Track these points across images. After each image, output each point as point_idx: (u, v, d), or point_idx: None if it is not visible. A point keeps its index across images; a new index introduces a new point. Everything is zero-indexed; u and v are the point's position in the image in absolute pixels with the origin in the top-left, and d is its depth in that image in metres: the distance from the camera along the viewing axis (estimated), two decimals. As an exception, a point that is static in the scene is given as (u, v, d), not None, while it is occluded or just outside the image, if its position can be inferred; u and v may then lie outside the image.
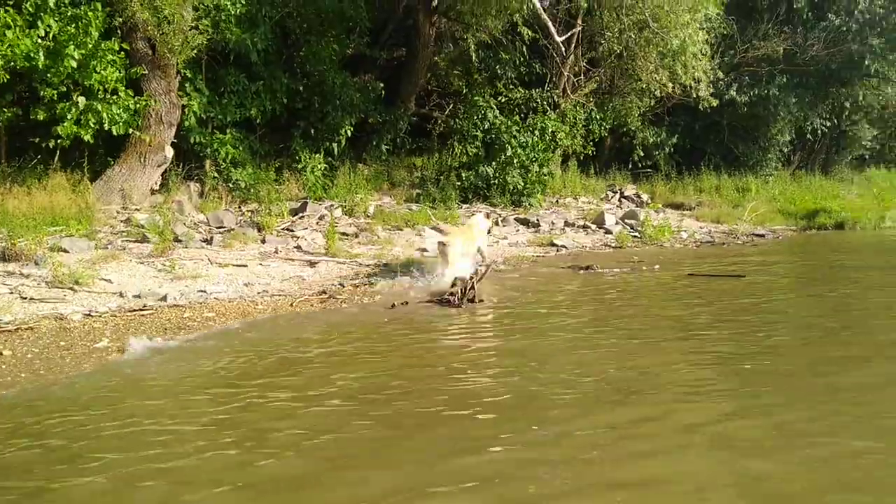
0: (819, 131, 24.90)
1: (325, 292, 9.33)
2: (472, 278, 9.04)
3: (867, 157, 30.21)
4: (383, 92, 16.90)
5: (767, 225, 18.96)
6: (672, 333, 7.48)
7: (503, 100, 18.42)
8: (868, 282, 10.93)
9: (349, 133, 15.83)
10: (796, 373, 6.08)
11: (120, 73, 12.22)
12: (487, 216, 11.91)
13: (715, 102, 18.64)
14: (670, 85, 17.66)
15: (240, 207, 14.18)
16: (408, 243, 13.01)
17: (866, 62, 21.43)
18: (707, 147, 23.53)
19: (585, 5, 17.22)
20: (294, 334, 7.27)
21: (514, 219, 16.03)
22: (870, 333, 7.49)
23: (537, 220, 16.15)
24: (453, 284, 9.00)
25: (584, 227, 16.47)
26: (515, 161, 16.82)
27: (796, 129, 23.76)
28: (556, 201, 18.71)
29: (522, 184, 16.94)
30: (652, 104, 20.76)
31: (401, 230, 13.96)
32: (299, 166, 14.97)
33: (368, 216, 14.54)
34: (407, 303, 8.74)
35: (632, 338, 7.24)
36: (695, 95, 18.12)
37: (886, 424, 4.84)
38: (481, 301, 8.75)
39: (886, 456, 4.35)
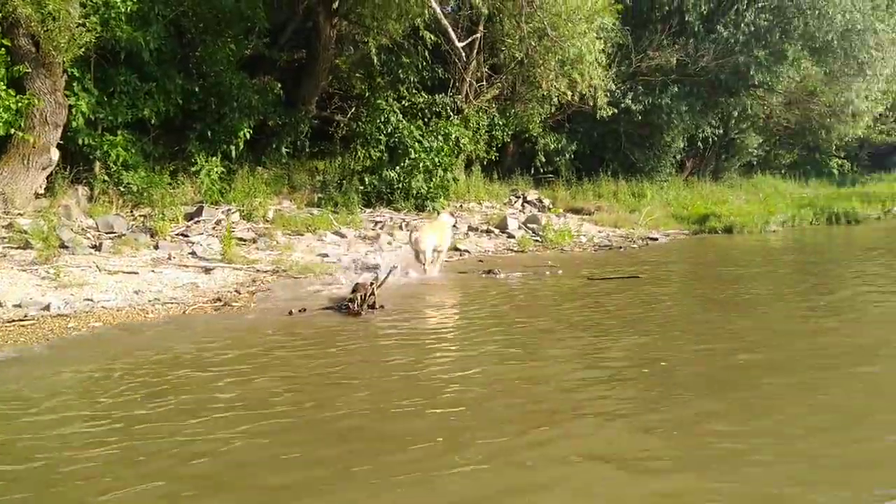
0: (709, 139, 25.98)
1: (220, 299, 9.04)
2: (371, 284, 8.93)
3: (754, 163, 31.70)
4: (283, 94, 16.55)
5: (662, 229, 19.61)
6: (572, 337, 7.58)
7: (406, 104, 18.35)
8: (753, 283, 11.44)
9: (247, 135, 15.41)
10: (693, 377, 6.24)
11: (0, 71, 11.52)
12: (452, 214, 12.17)
13: (611, 111, 19.10)
14: (569, 93, 18.01)
15: (132, 212, 13.57)
16: (308, 248, 12.78)
17: (752, 73, 22.42)
18: (605, 154, 24.14)
19: (486, 12, 17.34)
20: (171, 343, 7.01)
21: (418, 223, 16.01)
22: (762, 331, 7.79)
23: (441, 224, 16.15)
24: (354, 290, 8.86)
25: (488, 231, 16.60)
26: (419, 165, 16.79)
27: (688, 136, 24.65)
28: (460, 206, 18.77)
29: (426, 188, 16.92)
30: (553, 111, 21.13)
31: (301, 235, 13.69)
32: (195, 169, 14.47)
33: (268, 221, 14.20)
34: (305, 309, 8.54)
35: (531, 344, 7.29)
36: (591, 104, 18.53)
37: (783, 431, 5.00)
38: (382, 307, 8.64)
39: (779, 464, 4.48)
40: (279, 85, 16.47)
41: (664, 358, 6.62)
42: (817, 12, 21.67)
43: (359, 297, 8.55)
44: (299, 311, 8.47)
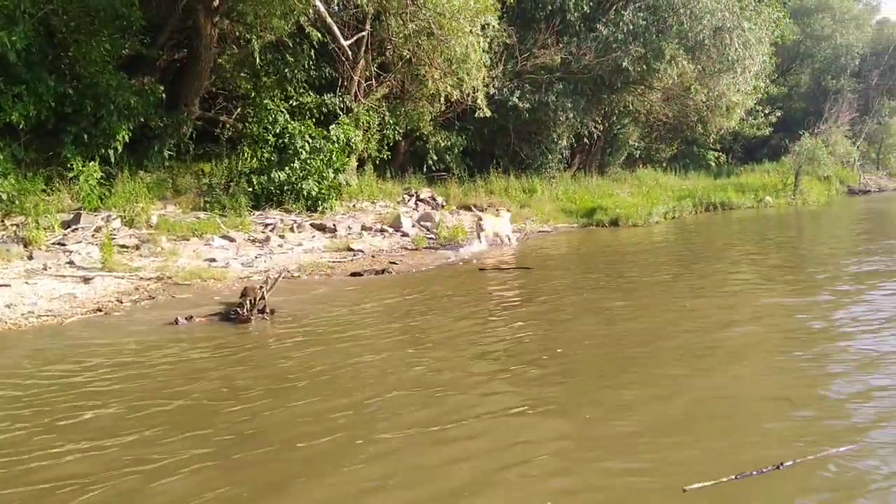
0: (594, 135, 26.77)
1: (100, 309, 8.68)
2: (261, 288, 8.74)
3: (637, 157, 32.89)
4: (164, 95, 15.96)
5: (552, 223, 20.16)
6: (461, 327, 7.68)
7: (295, 104, 18.02)
8: (637, 273, 11.93)
9: (127, 138, 14.76)
10: (585, 370, 6.43)
11: None
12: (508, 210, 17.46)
13: (489, 112, 19.33)
14: (456, 92, 18.18)
15: (3, 221, 12.78)
16: (195, 254, 12.40)
17: (632, 70, 23.22)
18: (496, 150, 24.49)
19: (371, 10, 17.25)
20: (39, 358, 6.71)
21: (310, 224, 15.77)
22: (644, 321, 8.12)
23: (334, 225, 16.00)
24: (243, 295, 8.67)
25: (382, 230, 16.57)
26: (310, 166, 16.56)
27: (574, 132, 25.32)
28: (354, 206, 18.64)
29: (318, 189, 16.69)
30: (443, 109, 21.25)
31: (188, 240, 13.26)
32: (72, 175, 13.74)
33: (151, 226, 13.66)
34: (192, 317, 8.30)
35: (426, 343, 7.33)
36: (470, 103, 18.75)
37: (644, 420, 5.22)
38: (273, 312, 8.49)
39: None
40: (160, 86, 15.88)
41: (553, 344, 6.81)
42: (690, 12, 22.68)
43: (248, 303, 8.38)
44: (186, 318, 8.22)
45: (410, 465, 4.32)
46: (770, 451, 4.28)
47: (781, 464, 4.07)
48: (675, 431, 4.68)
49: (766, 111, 34.37)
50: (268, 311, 8.44)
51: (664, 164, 33.73)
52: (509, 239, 16.37)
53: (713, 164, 37.16)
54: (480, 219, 15.94)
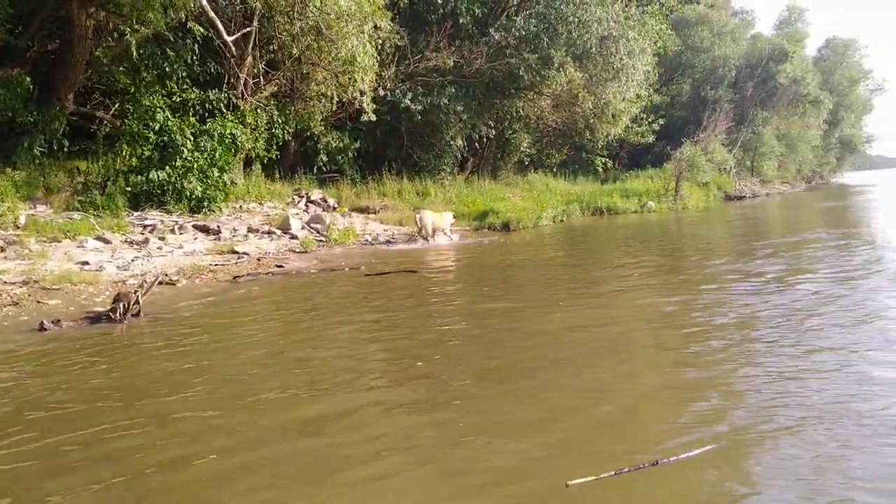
0: (485, 139, 27.08)
1: (-46, 317, 8.03)
2: (135, 292, 8.31)
3: (527, 162, 33.49)
4: (34, 87, 15.02)
5: (444, 226, 20.17)
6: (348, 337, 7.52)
7: (177, 100, 17.31)
8: (522, 275, 12.08)
9: (-8, 134, 13.85)
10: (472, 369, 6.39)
11: None
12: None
13: (374, 116, 19.28)
14: (342, 94, 18.00)
15: None
16: (66, 256, 11.69)
17: (522, 76, 23.61)
18: (389, 152, 24.36)
19: (258, 6, 16.80)
20: None
21: (193, 226, 15.18)
22: (522, 324, 8.18)
23: (218, 227, 15.48)
24: (116, 300, 8.22)
25: (269, 232, 16.15)
26: (193, 165, 15.95)
27: (466, 136, 25.51)
28: (240, 207, 18.08)
29: (201, 189, 16.10)
30: (335, 109, 20.96)
31: (59, 242, 12.50)
32: (-75, 171, 12.77)
33: (19, 227, 12.81)
34: (59, 320, 7.79)
35: (295, 350, 7.13)
36: (357, 107, 18.61)
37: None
38: (146, 315, 8.07)
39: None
40: (27, 78, 14.93)
41: (424, 348, 6.76)
42: (578, 20, 23.29)
43: (121, 307, 7.95)
44: (53, 322, 7.71)
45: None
46: (648, 448, 4.34)
47: (657, 461, 4.13)
48: (553, 430, 4.69)
49: (650, 119, 35.67)
50: (140, 315, 8.02)
51: (554, 169, 34.52)
52: (449, 236, 17.39)
53: (601, 169, 38.29)
54: (419, 213, 16.95)
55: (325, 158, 22.16)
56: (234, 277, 11.36)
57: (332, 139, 22.04)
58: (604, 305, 8.88)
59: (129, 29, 15.15)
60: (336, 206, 20.25)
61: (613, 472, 4.03)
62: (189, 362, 6.39)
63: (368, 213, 20.60)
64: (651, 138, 36.96)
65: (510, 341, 7.03)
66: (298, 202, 19.88)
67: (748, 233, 18.72)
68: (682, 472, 4.10)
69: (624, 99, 26.43)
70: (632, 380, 5.83)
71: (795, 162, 56.09)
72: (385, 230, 18.61)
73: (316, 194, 20.76)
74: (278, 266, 12.53)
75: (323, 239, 16.25)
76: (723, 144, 40.67)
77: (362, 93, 17.77)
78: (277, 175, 20.80)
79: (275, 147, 20.10)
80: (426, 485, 4.03)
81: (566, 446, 4.44)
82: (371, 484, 4.03)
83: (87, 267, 11.17)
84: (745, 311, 7.94)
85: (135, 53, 15.59)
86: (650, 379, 5.86)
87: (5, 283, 9.82)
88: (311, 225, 17.41)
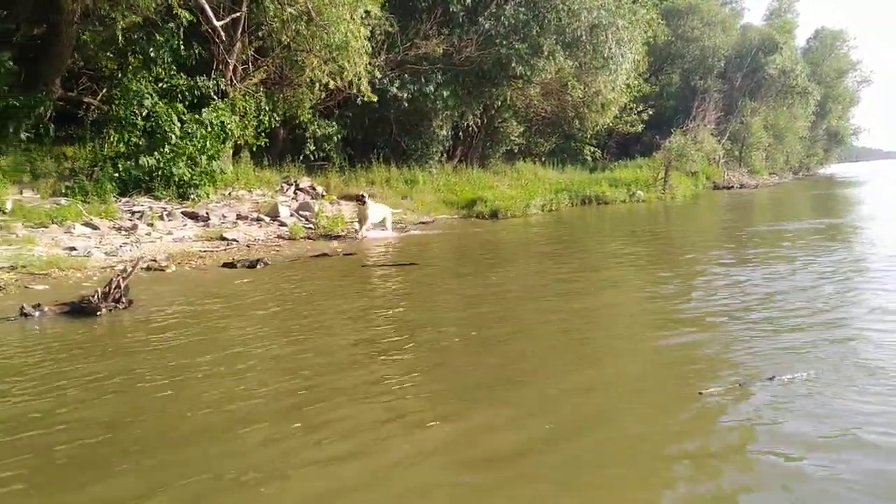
0: (475, 127, 27.05)
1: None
2: (118, 277, 8.25)
3: (516, 151, 33.49)
4: (20, 72, 14.90)
5: (433, 214, 20.25)
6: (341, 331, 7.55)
7: (165, 86, 17.15)
8: (515, 268, 12.12)
9: (-24, 117, 13.73)
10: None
11: None
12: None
13: (374, 98, 19.25)
14: (334, 80, 17.92)
15: None
16: (54, 242, 11.66)
17: (512, 65, 23.57)
18: (377, 140, 24.27)
19: (245, -9, 16.71)
20: None
21: (182, 213, 15.15)
22: (519, 319, 8.23)
23: (207, 213, 15.46)
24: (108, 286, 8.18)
25: (258, 219, 16.15)
26: (181, 151, 15.89)
27: (455, 124, 25.46)
28: (229, 194, 18.03)
29: (190, 175, 16.04)
30: (323, 97, 20.86)
31: (46, 228, 12.46)
32: None
33: (5, 213, 12.75)
34: (40, 305, 7.77)
35: (277, 339, 7.16)
36: (354, 91, 18.54)
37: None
38: (131, 302, 8.06)
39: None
40: (11, 62, 14.80)
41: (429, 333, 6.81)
42: (568, 8, 23.28)
43: (99, 292, 7.88)
44: (34, 306, 7.70)
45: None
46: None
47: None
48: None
49: (639, 109, 35.72)
50: (124, 301, 7.99)
51: (543, 158, 34.50)
52: (391, 227, 16.67)
53: (589, 158, 38.32)
54: (364, 203, 15.89)
55: (312, 146, 22.04)
56: (224, 264, 11.37)
57: (320, 127, 21.93)
58: (594, 293, 8.92)
59: (118, 15, 14.97)
60: (325, 193, 20.20)
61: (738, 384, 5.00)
62: (183, 344, 6.43)
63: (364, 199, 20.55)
64: (640, 128, 37.03)
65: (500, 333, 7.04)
66: (287, 190, 19.83)
67: (738, 220, 18.85)
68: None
69: (613, 88, 26.48)
70: (624, 370, 5.87)
71: (783, 153, 56.43)
72: (374, 218, 18.59)
73: (304, 182, 20.71)
74: (272, 252, 12.53)
75: (312, 226, 16.26)
76: (712, 134, 40.85)
77: (359, 77, 17.66)
78: (266, 163, 20.72)
79: (263, 134, 19.98)
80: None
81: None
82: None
83: (74, 253, 11.15)
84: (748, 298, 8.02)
85: (121, 38, 15.44)
86: (641, 369, 5.93)
87: (-8, 268, 9.79)
88: (300, 212, 17.41)
